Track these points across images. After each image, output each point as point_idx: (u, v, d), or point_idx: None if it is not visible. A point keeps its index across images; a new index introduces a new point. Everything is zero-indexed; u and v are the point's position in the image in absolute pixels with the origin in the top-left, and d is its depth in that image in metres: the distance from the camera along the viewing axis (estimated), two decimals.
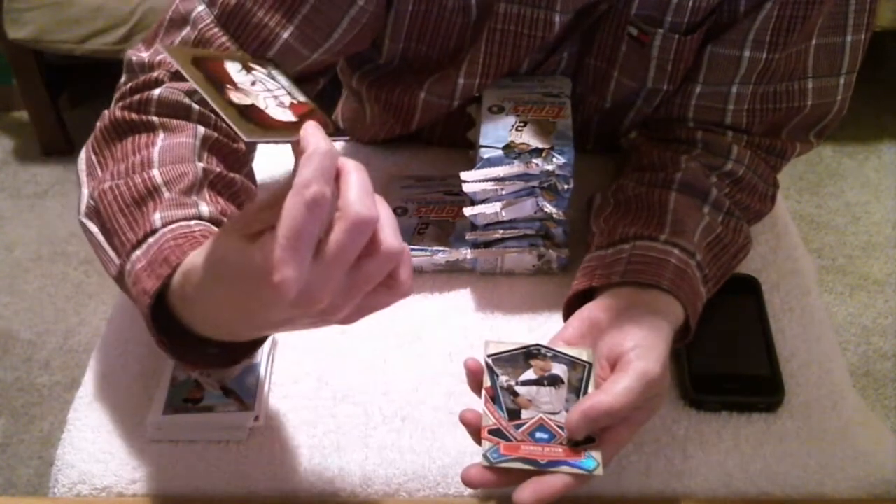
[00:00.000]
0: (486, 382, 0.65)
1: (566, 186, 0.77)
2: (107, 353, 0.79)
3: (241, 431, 0.71)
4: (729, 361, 0.75)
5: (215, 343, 0.57)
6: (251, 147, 0.78)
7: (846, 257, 1.85)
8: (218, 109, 0.47)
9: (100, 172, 0.68)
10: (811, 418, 0.72)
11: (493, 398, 0.64)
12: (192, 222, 0.61)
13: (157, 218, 0.61)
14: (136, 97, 0.71)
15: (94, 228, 0.66)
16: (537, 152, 0.76)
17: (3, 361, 1.70)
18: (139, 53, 0.75)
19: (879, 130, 2.15)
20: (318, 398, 0.74)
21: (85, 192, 0.68)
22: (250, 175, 0.77)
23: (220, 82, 0.48)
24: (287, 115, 0.48)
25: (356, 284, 0.48)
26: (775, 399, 0.73)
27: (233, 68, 0.49)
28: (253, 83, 0.49)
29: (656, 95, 0.85)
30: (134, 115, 0.70)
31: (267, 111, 0.47)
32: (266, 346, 0.75)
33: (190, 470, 0.69)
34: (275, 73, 0.50)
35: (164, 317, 0.57)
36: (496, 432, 0.62)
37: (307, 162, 0.45)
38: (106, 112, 0.72)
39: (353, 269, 0.47)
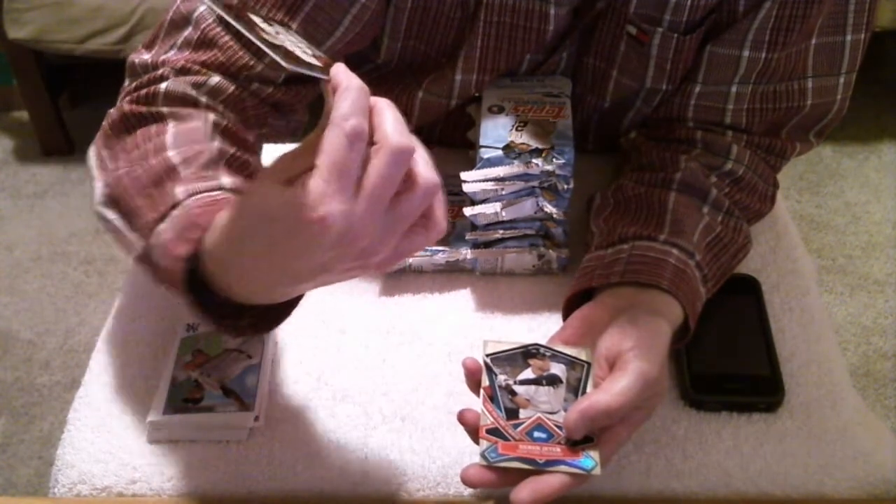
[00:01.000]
0: (485, 382, 0.65)
1: (566, 186, 0.77)
2: (107, 353, 0.79)
3: (241, 431, 0.71)
4: (729, 361, 0.75)
5: (248, 310, 0.56)
6: (260, 139, 0.78)
7: (846, 257, 1.84)
8: (258, 42, 0.48)
9: (112, 164, 0.67)
10: (811, 418, 0.72)
11: (492, 397, 0.64)
12: (216, 192, 0.60)
13: (179, 191, 0.60)
14: (143, 91, 0.71)
15: (111, 215, 0.65)
16: (537, 152, 0.76)
17: (3, 361, 1.70)
18: (141, 56, 0.75)
19: (879, 130, 2.15)
20: (317, 398, 0.74)
21: (98, 184, 0.68)
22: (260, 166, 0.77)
23: (252, 27, 0.51)
24: (314, 61, 0.50)
25: (395, 221, 0.48)
26: (775, 399, 0.73)
27: (258, 20, 0.52)
28: (278, 33, 0.52)
29: (655, 95, 0.85)
30: (142, 108, 0.69)
31: (296, 54, 0.50)
32: (267, 346, 0.76)
33: (190, 470, 0.69)
34: (291, 32, 0.53)
35: (196, 288, 0.56)
36: (494, 432, 0.62)
37: (343, 97, 0.45)
38: (112, 110, 0.71)
39: (391, 205, 0.47)
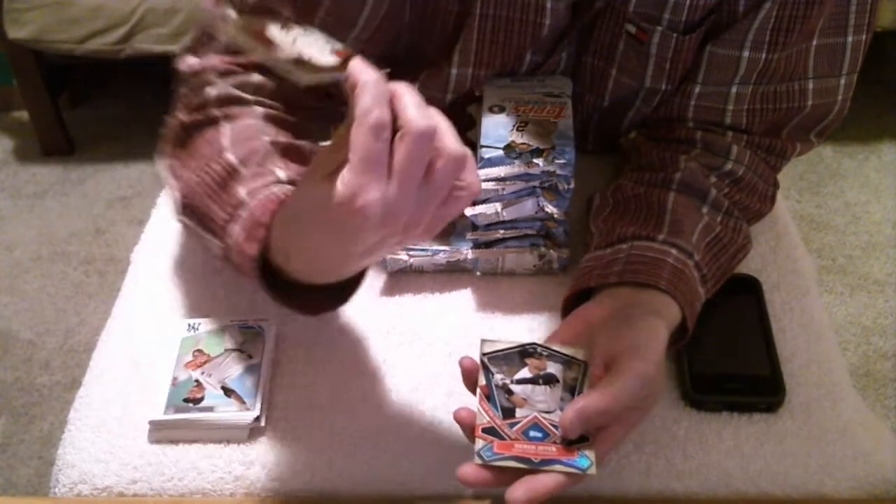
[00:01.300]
0: (482, 381, 0.65)
1: (567, 186, 0.77)
2: (107, 352, 0.79)
3: (241, 431, 0.71)
4: (729, 361, 0.75)
5: (321, 289, 0.61)
6: (309, 121, 0.80)
7: (846, 257, 1.84)
8: (271, 64, 0.52)
9: (178, 173, 0.73)
10: (811, 418, 0.72)
11: (488, 396, 0.64)
12: (274, 188, 0.65)
13: (241, 192, 0.65)
14: (194, 100, 0.75)
15: (191, 223, 0.72)
16: (538, 152, 0.76)
17: (3, 361, 1.70)
18: (187, 62, 0.78)
19: (879, 130, 2.15)
20: (317, 398, 0.74)
21: (176, 194, 0.73)
22: (314, 146, 0.80)
23: (267, 44, 0.54)
24: (332, 60, 0.53)
25: (430, 195, 0.51)
26: (775, 399, 0.73)
27: (274, 31, 0.56)
28: (294, 41, 0.55)
29: (655, 95, 0.85)
30: (197, 116, 0.74)
31: (312, 60, 0.52)
32: (267, 345, 0.76)
33: (190, 470, 0.69)
34: (309, 29, 0.56)
35: (271, 277, 0.62)
36: (490, 431, 0.62)
37: (362, 92, 0.49)
38: (171, 119, 0.76)
39: (424, 181, 0.50)
